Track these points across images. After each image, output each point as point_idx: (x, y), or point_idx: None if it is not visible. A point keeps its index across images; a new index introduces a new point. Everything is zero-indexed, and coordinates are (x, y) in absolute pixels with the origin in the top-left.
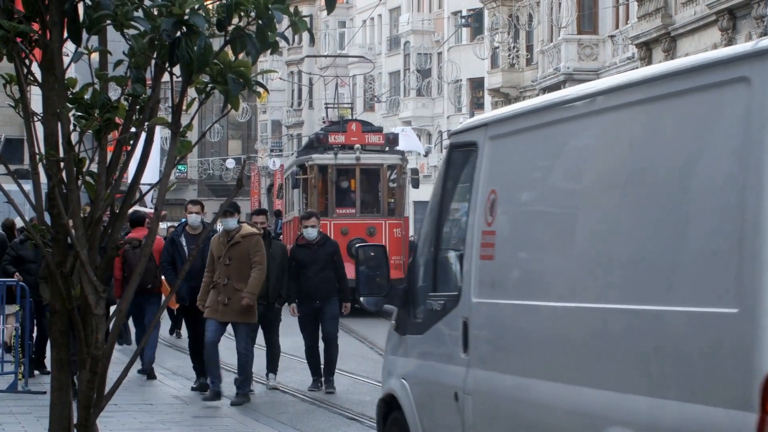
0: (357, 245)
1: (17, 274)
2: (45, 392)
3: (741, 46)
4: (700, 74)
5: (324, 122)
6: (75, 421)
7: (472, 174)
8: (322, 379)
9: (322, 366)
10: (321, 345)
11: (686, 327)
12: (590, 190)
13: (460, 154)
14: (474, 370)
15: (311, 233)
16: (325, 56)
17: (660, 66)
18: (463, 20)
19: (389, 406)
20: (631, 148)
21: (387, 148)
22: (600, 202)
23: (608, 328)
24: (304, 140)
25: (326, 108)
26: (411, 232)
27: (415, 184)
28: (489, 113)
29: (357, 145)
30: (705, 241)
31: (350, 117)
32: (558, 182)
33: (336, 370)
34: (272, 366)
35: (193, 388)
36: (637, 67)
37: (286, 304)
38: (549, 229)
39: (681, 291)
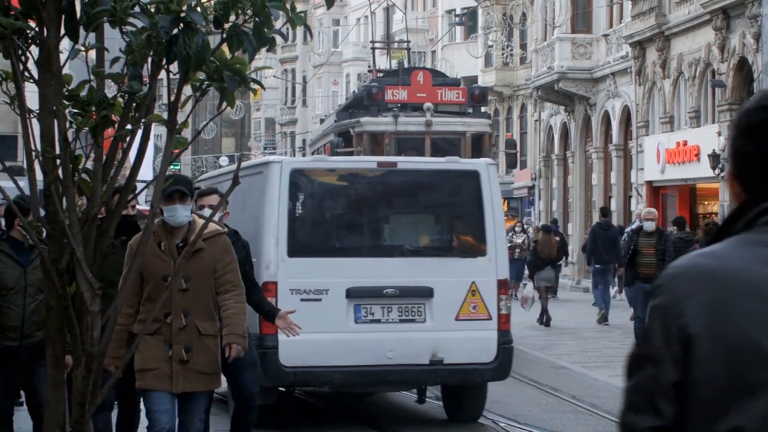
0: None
1: None
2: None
3: (266, 158)
4: (257, 168)
5: (369, 71)
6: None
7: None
8: None
9: None
10: None
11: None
12: (242, 209)
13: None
14: None
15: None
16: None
17: (248, 161)
18: (457, 19)
19: None
20: (248, 193)
21: (470, 109)
22: (238, 216)
23: None
24: (298, 139)
25: (373, 49)
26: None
27: (512, 163)
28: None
29: (427, 104)
30: (259, 236)
31: (411, 64)
32: (241, 204)
33: None
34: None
35: None
36: (630, 67)
37: None
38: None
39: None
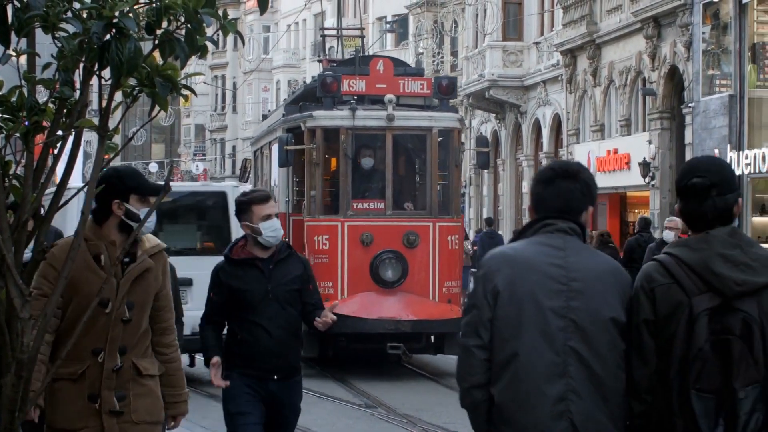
0: None
1: None
2: None
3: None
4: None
5: (320, 60)
6: None
7: None
8: None
9: None
10: None
11: None
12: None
13: None
14: None
15: (272, 232)
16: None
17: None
18: (388, 26)
19: None
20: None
21: (436, 102)
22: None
23: None
24: (228, 145)
25: (323, 36)
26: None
27: (483, 163)
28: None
29: (388, 96)
30: None
31: (367, 53)
32: None
33: None
34: None
35: None
36: (561, 75)
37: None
38: None
39: None
